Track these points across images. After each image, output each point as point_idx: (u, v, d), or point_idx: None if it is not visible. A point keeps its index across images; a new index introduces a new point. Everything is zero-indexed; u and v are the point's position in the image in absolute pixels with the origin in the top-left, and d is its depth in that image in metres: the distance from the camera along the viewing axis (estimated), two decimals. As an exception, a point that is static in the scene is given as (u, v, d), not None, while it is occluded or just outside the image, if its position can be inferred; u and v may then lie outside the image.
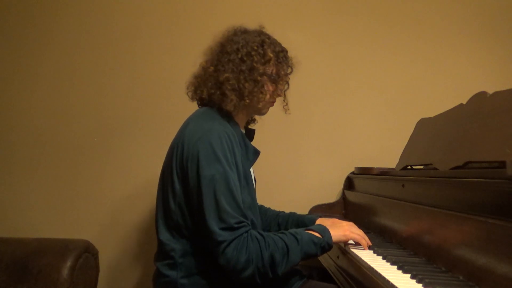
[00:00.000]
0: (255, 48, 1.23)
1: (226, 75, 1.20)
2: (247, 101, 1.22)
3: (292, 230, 1.14)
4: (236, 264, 1.03)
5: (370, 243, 1.21)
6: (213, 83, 1.23)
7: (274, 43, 1.29)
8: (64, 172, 2.05)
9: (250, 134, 1.42)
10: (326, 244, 1.14)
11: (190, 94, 1.33)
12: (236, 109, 1.23)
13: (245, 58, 1.22)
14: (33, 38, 2.09)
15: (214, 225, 1.05)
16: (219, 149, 1.10)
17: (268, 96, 1.27)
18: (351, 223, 1.26)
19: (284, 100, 1.41)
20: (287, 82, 1.36)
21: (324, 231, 1.16)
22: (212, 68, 1.25)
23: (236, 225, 1.06)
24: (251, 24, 1.33)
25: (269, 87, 1.27)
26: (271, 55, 1.24)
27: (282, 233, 1.12)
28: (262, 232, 1.11)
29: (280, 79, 1.29)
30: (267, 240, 1.07)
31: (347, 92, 2.09)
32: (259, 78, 1.22)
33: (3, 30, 2.10)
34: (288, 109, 1.42)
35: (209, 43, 1.32)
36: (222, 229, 1.05)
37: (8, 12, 2.10)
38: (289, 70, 1.34)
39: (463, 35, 2.10)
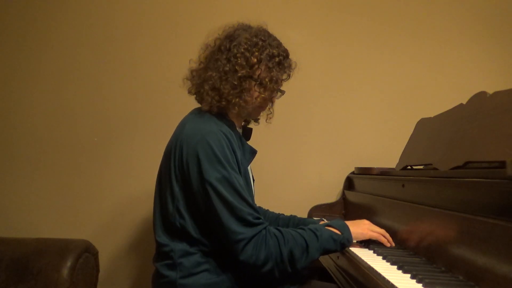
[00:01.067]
0: (242, 50, 1.18)
1: (210, 73, 1.19)
2: (223, 103, 1.18)
3: (312, 226, 1.15)
4: (256, 261, 1.05)
5: (392, 242, 1.22)
6: (201, 80, 1.22)
7: (271, 45, 1.21)
8: (64, 172, 2.05)
9: (247, 133, 1.39)
10: (346, 241, 1.15)
11: (187, 88, 1.31)
12: (213, 110, 1.19)
13: (231, 59, 1.18)
14: (33, 38, 2.09)
15: (232, 224, 1.06)
16: (219, 151, 1.09)
17: (247, 101, 1.20)
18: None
19: (269, 109, 1.31)
20: (278, 89, 1.26)
21: (344, 228, 1.17)
22: (202, 65, 1.25)
23: (254, 220, 1.07)
24: (251, 23, 1.31)
25: (253, 92, 1.20)
26: (255, 60, 1.18)
27: (301, 229, 1.14)
28: (280, 228, 1.12)
29: (263, 86, 1.20)
30: (286, 236, 1.08)
31: (347, 92, 2.09)
32: (235, 82, 1.17)
33: (3, 30, 2.09)
34: (271, 118, 1.34)
35: (209, 39, 1.29)
36: (242, 226, 1.06)
37: (8, 12, 2.09)
38: (284, 76, 1.26)
39: (463, 35, 2.10)
